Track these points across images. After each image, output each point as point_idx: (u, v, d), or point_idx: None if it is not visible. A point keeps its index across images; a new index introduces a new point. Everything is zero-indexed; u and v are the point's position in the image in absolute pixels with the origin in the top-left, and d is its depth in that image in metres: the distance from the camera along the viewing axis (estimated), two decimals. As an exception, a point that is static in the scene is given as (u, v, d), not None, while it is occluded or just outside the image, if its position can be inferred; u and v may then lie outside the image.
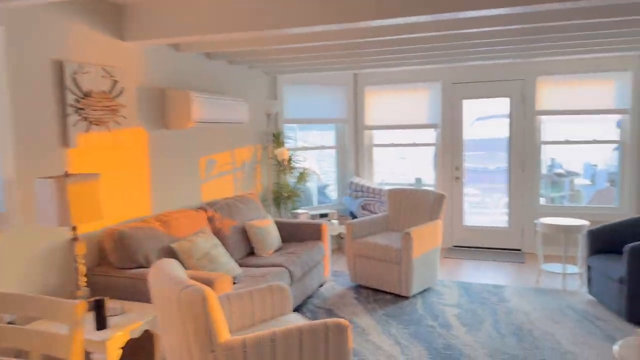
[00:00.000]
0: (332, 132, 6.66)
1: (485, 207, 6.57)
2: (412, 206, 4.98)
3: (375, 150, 6.74)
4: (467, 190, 6.29)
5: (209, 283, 2.97)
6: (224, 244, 4.08)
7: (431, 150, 6.57)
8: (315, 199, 7.89)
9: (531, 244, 5.96)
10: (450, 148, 6.20)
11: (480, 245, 6.20)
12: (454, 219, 6.27)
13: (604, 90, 5.58)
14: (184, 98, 3.94)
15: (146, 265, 3.27)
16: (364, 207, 5.98)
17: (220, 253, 3.62)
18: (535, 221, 5.54)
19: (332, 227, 5.52)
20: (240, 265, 4.05)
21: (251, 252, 4.37)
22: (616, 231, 4.23)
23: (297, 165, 5.73)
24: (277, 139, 5.63)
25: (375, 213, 5.92)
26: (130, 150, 3.65)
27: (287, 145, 5.94)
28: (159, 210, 3.93)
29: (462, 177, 6.19)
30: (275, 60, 4.85)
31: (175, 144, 4.15)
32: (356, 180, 6.23)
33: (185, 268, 3.42)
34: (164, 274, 2.20)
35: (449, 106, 6.15)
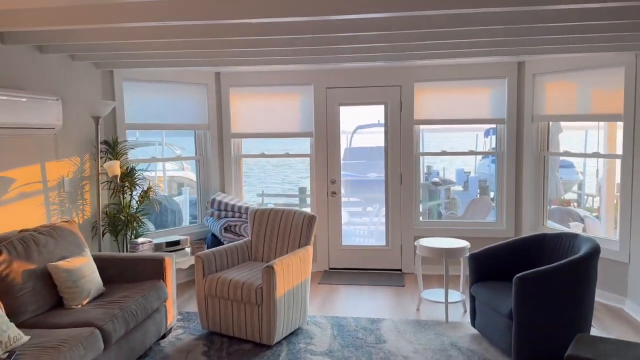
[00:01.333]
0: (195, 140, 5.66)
1: (364, 224, 6.01)
2: (280, 230, 4.19)
3: (251, 160, 5.87)
4: (345, 206, 5.67)
5: None
6: (9, 298, 2.93)
7: (307, 162, 5.87)
8: (186, 217, 6.81)
9: (411, 263, 5.50)
10: (325, 159, 5.54)
11: (358, 267, 5.61)
12: (330, 239, 5.61)
13: (481, 98, 5.29)
14: (-58, 92, 2.74)
15: None
16: (227, 229, 5.08)
17: (-13, 319, 2.49)
18: (415, 243, 5.04)
19: (184, 259, 4.52)
20: (32, 326, 2.92)
21: (60, 303, 3.25)
22: (500, 255, 3.80)
23: (140, 180, 4.64)
24: (113, 149, 4.51)
25: (242, 236, 5.05)
26: None
27: (131, 156, 4.84)
28: None
29: (339, 191, 5.56)
30: (106, 48, 3.76)
31: None
32: (219, 197, 5.30)
33: None
34: None
35: (323, 113, 5.49)
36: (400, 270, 5.55)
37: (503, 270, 3.78)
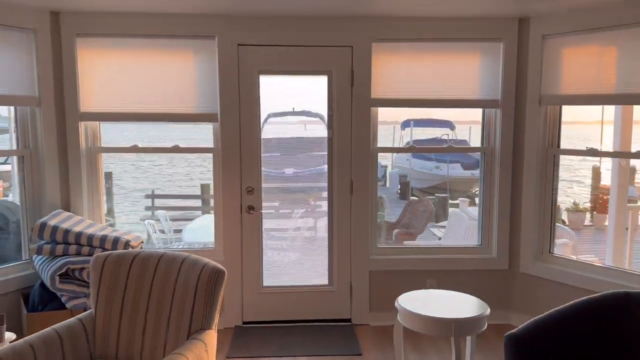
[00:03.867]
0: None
1: (296, 251, 4.10)
2: (152, 297, 2.19)
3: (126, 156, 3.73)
4: (268, 225, 3.76)
5: None
6: None
7: (210, 159, 3.86)
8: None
9: (365, 310, 3.75)
10: (238, 157, 3.59)
11: (288, 319, 3.75)
12: (245, 279, 3.68)
13: (466, 70, 3.65)
14: None
15: None
16: (66, 277, 2.96)
17: None
18: (395, 304, 3.30)
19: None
20: None
21: None
22: (558, 333, 2.15)
23: None
24: None
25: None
26: None
27: None
28: None
29: (259, 205, 3.64)
30: None
31: None
32: (55, 220, 3.15)
33: None
34: None
35: (234, 84, 3.52)
36: (349, 320, 3.77)
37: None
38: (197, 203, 9.10)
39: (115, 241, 3.11)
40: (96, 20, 3.37)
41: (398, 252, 3.80)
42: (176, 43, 3.48)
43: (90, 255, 3.04)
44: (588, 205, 10.39)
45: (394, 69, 3.60)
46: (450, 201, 11.52)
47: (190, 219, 8.63)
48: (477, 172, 13.76)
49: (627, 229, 4.20)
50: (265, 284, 3.73)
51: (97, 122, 3.59)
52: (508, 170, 3.69)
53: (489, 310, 2.45)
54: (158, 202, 9.15)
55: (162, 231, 7.62)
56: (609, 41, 3.16)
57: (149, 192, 9.59)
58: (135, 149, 3.68)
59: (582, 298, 2.29)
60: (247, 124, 3.57)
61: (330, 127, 3.64)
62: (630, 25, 3.04)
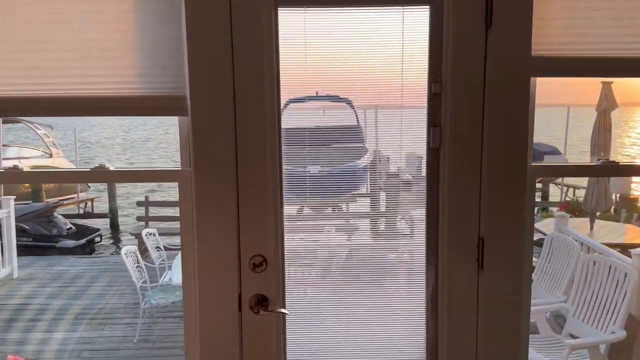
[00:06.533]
0: None
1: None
2: None
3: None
4: (296, 322, 1.81)
5: None
6: None
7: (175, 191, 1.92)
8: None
9: None
10: (231, 188, 1.63)
11: None
12: None
13: None
14: None
15: None
16: None
17: None
18: None
19: None
20: None
21: None
22: None
23: None
24: None
25: None
26: None
27: None
28: None
29: (278, 298, 1.69)
30: None
31: None
32: None
33: None
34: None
35: (219, 32, 1.55)
36: None
37: None
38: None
39: None
40: None
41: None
42: None
43: None
44: None
45: (580, -10, 1.59)
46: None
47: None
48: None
49: None
50: None
51: None
52: None
53: None
54: (154, 210, 7.31)
55: (146, 250, 5.85)
56: None
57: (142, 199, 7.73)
58: (16, 177, 1.75)
59: None
60: (251, 116, 1.60)
61: (433, 121, 1.65)
62: None
